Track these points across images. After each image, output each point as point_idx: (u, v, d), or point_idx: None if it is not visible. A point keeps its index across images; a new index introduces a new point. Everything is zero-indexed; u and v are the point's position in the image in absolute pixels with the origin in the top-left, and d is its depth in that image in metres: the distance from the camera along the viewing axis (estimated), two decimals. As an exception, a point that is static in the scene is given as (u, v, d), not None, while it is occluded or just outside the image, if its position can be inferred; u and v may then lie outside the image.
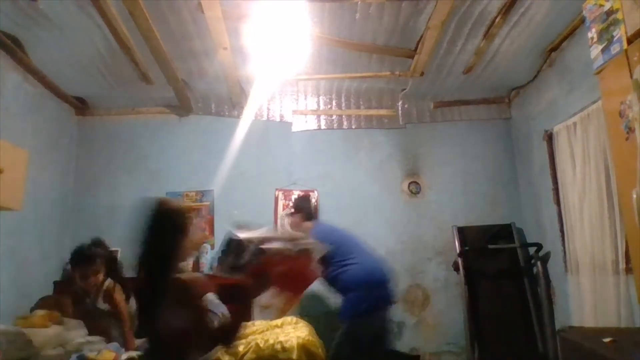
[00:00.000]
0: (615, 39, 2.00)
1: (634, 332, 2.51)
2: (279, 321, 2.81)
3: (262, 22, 3.08)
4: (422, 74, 3.86)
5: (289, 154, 4.44)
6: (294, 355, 2.20)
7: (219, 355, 2.15)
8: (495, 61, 3.73)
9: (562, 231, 3.50)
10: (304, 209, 3.41)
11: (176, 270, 1.58)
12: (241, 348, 2.21)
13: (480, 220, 4.23)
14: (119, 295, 2.68)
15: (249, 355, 2.16)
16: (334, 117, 4.57)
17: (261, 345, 2.23)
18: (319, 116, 4.56)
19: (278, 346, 2.22)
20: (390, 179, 4.43)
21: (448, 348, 4.10)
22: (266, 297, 2.14)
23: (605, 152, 2.87)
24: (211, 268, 3.99)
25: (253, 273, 1.72)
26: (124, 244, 4.09)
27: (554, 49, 3.50)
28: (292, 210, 3.49)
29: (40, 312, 2.89)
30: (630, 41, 1.91)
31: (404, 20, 3.15)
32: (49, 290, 3.72)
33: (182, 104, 4.36)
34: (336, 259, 2.91)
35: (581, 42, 3.02)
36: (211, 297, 1.81)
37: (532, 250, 3.88)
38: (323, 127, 4.55)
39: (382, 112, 4.56)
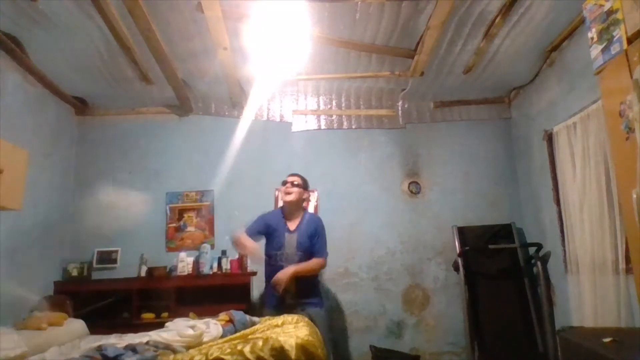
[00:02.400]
0: (615, 39, 2.00)
1: (634, 332, 2.51)
2: (279, 320, 2.81)
3: (262, 22, 3.08)
4: (422, 74, 3.86)
5: (289, 154, 4.44)
6: (293, 356, 2.19)
7: (219, 354, 2.14)
8: (495, 61, 3.73)
9: (562, 231, 3.51)
10: (308, 190, 3.32)
11: None
12: (240, 347, 2.20)
13: (480, 220, 4.23)
14: None
15: (249, 353, 2.15)
16: (334, 117, 4.57)
17: (260, 344, 2.22)
18: (319, 116, 4.57)
19: (277, 345, 2.21)
20: (390, 179, 4.43)
21: (448, 348, 4.11)
22: None
23: (605, 152, 2.87)
24: (211, 268, 4.00)
25: None
26: (123, 244, 4.12)
27: (554, 49, 3.50)
28: (298, 181, 3.19)
29: (37, 314, 2.89)
30: (630, 41, 1.91)
31: (404, 20, 3.16)
32: (49, 290, 3.73)
33: (182, 104, 4.36)
34: None
35: (581, 42, 3.02)
36: None
37: (532, 250, 3.88)
38: (323, 127, 4.55)
39: (382, 112, 4.56)
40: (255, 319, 3.05)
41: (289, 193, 3.13)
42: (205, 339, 2.49)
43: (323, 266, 3.11)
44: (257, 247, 2.96)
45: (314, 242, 3.06)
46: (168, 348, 2.27)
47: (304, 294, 3.01)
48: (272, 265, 3.05)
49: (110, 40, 3.18)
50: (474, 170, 4.44)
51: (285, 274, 2.87)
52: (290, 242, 3.07)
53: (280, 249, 3.06)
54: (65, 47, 3.28)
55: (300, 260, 3.00)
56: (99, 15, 2.85)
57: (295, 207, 3.16)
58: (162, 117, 4.46)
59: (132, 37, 3.14)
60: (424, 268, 4.26)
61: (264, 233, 3.14)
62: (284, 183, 3.18)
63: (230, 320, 2.82)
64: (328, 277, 4.21)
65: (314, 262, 3.01)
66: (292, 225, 3.13)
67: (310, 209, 4.34)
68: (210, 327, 2.62)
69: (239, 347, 2.18)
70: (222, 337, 2.56)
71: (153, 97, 4.26)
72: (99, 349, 2.15)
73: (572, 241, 3.33)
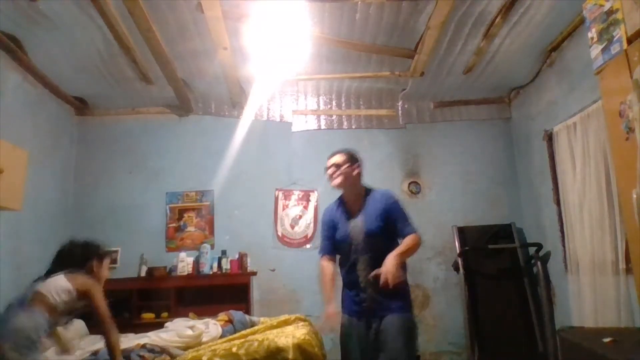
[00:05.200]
0: (615, 39, 1.99)
1: (634, 332, 2.51)
2: (279, 320, 2.81)
3: (262, 22, 3.08)
4: (422, 74, 3.86)
5: (289, 154, 4.44)
6: (290, 355, 2.19)
7: (210, 354, 2.15)
8: (495, 61, 3.73)
9: (562, 231, 3.50)
10: (358, 164, 2.59)
11: None
12: (234, 349, 2.21)
13: (480, 220, 4.23)
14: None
15: (243, 355, 2.16)
16: (334, 117, 4.57)
17: (255, 345, 2.23)
18: (319, 116, 4.57)
19: (273, 346, 2.21)
20: (390, 179, 4.42)
21: (448, 348, 4.10)
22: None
23: (605, 152, 2.87)
24: (211, 268, 4.00)
25: None
26: (123, 244, 4.12)
27: (554, 49, 3.50)
28: (340, 161, 2.54)
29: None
30: (630, 41, 1.91)
31: (404, 20, 3.15)
32: (49, 290, 3.72)
33: (182, 104, 4.36)
34: None
35: (581, 42, 3.02)
36: None
37: (532, 250, 3.88)
38: (323, 127, 4.55)
39: (382, 112, 4.56)
40: (255, 318, 3.05)
41: (332, 178, 2.54)
42: (204, 339, 2.49)
43: (419, 243, 2.34)
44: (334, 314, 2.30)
45: (392, 221, 2.38)
46: (164, 351, 2.26)
47: (387, 294, 2.23)
48: (344, 263, 2.46)
49: (110, 40, 3.18)
50: (474, 170, 4.44)
51: (390, 264, 2.15)
52: (355, 228, 2.42)
53: (346, 240, 2.42)
54: (65, 48, 3.28)
55: (373, 248, 2.33)
56: (99, 15, 2.85)
57: (349, 189, 2.55)
58: (162, 117, 4.46)
59: (132, 37, 3.14)
60: (424, 268, 4.26)
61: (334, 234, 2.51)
62: (326, 169, 2.59)
63: (230, 321, 2.83)
64: (328, 277, 4.20)
65: (410, 240, 2.29)
66: (354, 208, 2.51)
67: (310, 210, 4.35)
68: (210, 327, 2.62)
69: (234, 350, 2.18)
70: (221, 337, 2.57)
71: (153, 97, 4.25)
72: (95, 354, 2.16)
73: (572, 241, 3.33)
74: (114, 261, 4.06)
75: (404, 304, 2.28)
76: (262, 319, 3.13)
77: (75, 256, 2.34)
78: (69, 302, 2.11)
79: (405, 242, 2.29)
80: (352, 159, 2.58)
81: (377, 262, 2.25)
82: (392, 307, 2.24)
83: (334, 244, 2.49)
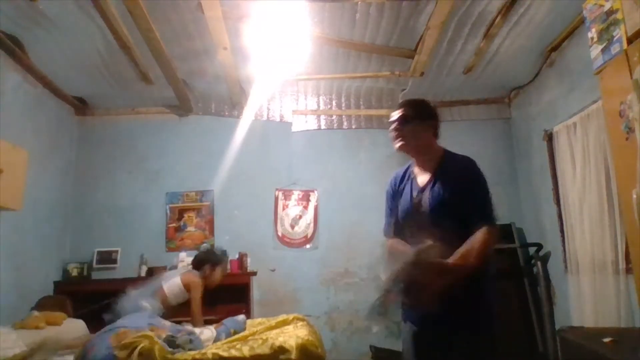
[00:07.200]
0: (615, 39, 2.00)
1: (634, 332, 2.51)
2: (279, 321, 2.81)
3: (262, 22, 3.08)
4: (422, 74, 3.86)
5: (289, 154, 4.44)
6: (293, 356, 2.19)
7: (210, 356, 2.15)
8: (495, 61, 3.73)
9: (562, 231, 3.50)
10: (438, 123, 1.94)
11: None
12: (238, 346, 2.21)
13: (480, 220, 4.22)
14: None
15: (247, 353, 2.16)
16: (334, 117, 4.57)
17: (258, 345, 2.23)
18: (319, 116, 4.56)
19: (277, 345, 2.22)
20: (390, 179, 4.42)
21: (448, 348, 4.10)
22: None
23: (605, 152, 2.87)
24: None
25: None
26: (123, 244, 4.12)
27: (554, 49, 3.50)
28: (406, 113, 1.84)
29: (36, 314, 2.89)
30: (630, 41, 1.91)
31: (404, 20, 3.15)
32: (49, 290, 3.73)
33: (182, 104, 4.36)
34: None
35: (581, 42, 3.02)
36: None
37: (532, 250, 3.88)
38: (323, 127, 4.55)
39: (382, 112, 4.56)
40: (241, 317, 3.03)
41: (395, 137, 1.85)
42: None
43: (492, 240, 1.71)
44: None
45: (465, 199, 1.70)
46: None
47: (456, 304, 1.59)
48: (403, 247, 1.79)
49: (110, 40, 3.18)
50: (474, 170, 4.43)
51: (431, 274, 1.55)
52: (420, 202, 1.78)
53: (406, 216, 1.81)
54: (65, 47, 3.28)
55: (437, 232, 1.63)
56: (99, 15, 2.85)
57: (416, 153, 1.90)
58: (162, 117, 4.46)
59: (132, 37, 3.14)
60: (424, 268, 4.25)
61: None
62: (389, 124, 1.89)
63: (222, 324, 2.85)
64: (328, 277, 4.21)
65: (480, 238, 1.65)
66: (424, 176, 1.85)
67: (310, 210, 4.34)
68: (203, 331, 2.64)
69: (237, 346, 2.19)
70: (216, 338, 2.57)
71: (153, 97, 4.25)
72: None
73: (572, 241, 3.33)
74: (113, 261, 4.07)
75: (481, 317, 1.58)
76: (260, 319, 3.13)
77: (196, 260, 3.09)
78: (178, 295, 2.86)
79: (475, 240, 1.66)
80: (424, 113, 1.89)
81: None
82: (462, 321, 1.58)
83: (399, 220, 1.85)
